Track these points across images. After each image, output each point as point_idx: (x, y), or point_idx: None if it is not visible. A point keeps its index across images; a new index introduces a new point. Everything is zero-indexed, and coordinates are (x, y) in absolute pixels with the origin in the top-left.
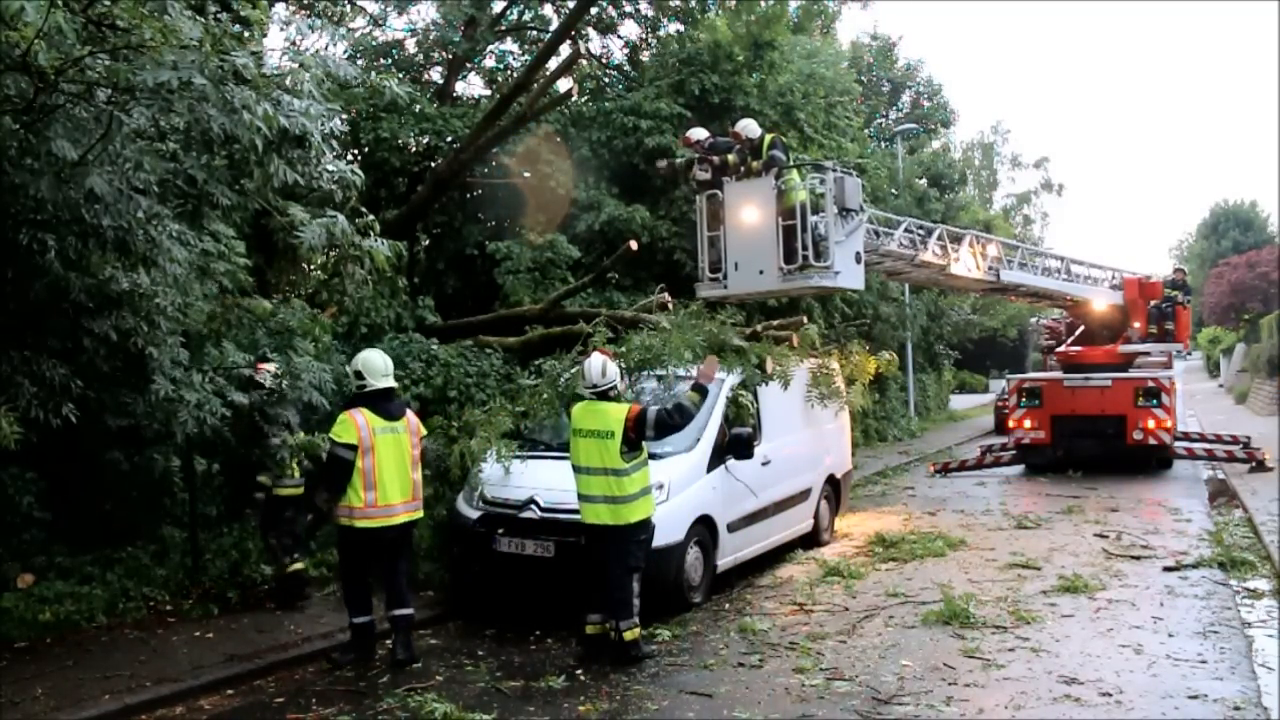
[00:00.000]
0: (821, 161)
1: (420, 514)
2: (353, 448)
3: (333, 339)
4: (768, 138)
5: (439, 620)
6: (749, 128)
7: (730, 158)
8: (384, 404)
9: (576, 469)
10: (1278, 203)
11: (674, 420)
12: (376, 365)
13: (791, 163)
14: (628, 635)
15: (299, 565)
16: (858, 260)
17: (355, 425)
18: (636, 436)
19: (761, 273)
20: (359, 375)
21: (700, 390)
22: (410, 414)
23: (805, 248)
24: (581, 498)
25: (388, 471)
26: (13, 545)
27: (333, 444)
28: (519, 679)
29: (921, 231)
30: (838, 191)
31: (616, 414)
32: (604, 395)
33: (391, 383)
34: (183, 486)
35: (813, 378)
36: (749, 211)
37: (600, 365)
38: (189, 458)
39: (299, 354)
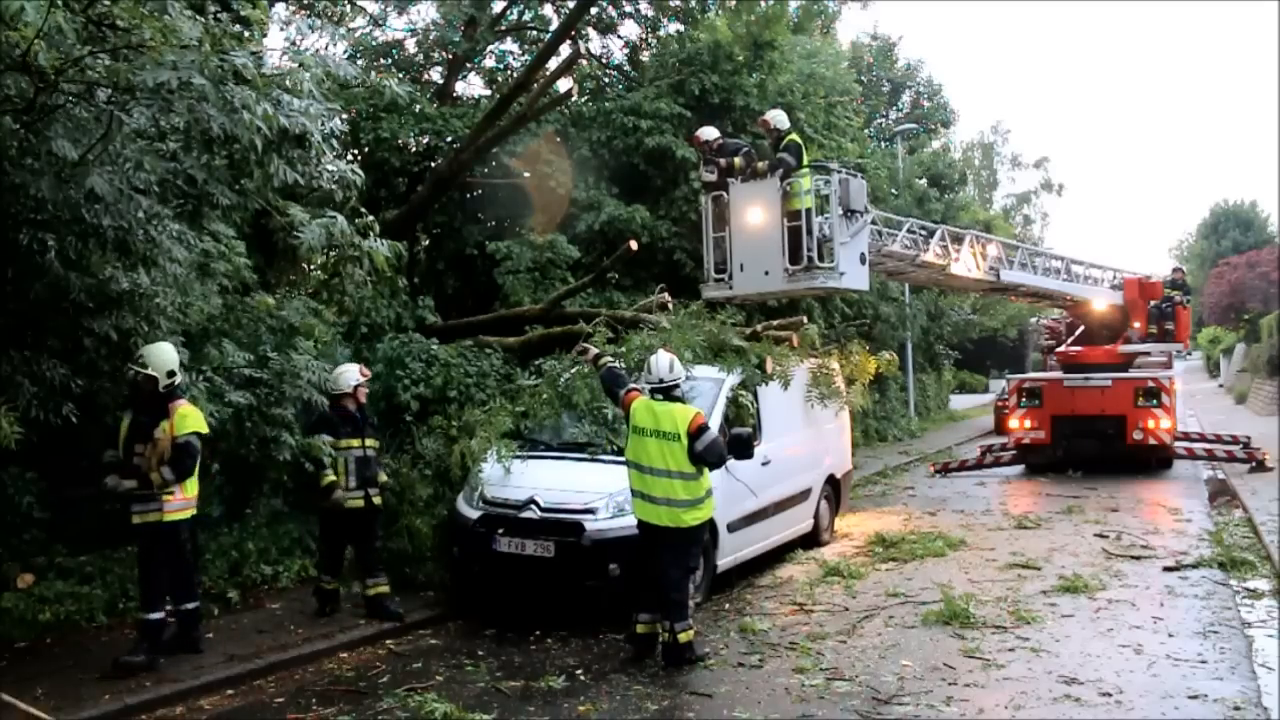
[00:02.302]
0: (826, 163)
1: None
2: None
3: (333, 337)
4: (789, 138)
5: (439, 620)
6: (778, 118)
7: (737, 161)
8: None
9: (638, 467)
10: (1278, 203)
11: (717, 457)
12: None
13: (803, 166)
14: (683, 637)
15: (383, 588)
16: (862, 261)
17: (203, 416)
18: (689, 443)
19: (767, 274)
20: (171, 374)
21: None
22: None
23: (810, 249)
24: (641, 495)
25: None
26: (13, 545)
27: (198, 437)
28: (519, 679)
29: (923, 232)
30: (843, 193)
31: (684, 417)
32: (669, 394)
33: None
34: None
35: (813, 378)
36: (754, 213)
37: (669, 361)
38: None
39: (299, 352)
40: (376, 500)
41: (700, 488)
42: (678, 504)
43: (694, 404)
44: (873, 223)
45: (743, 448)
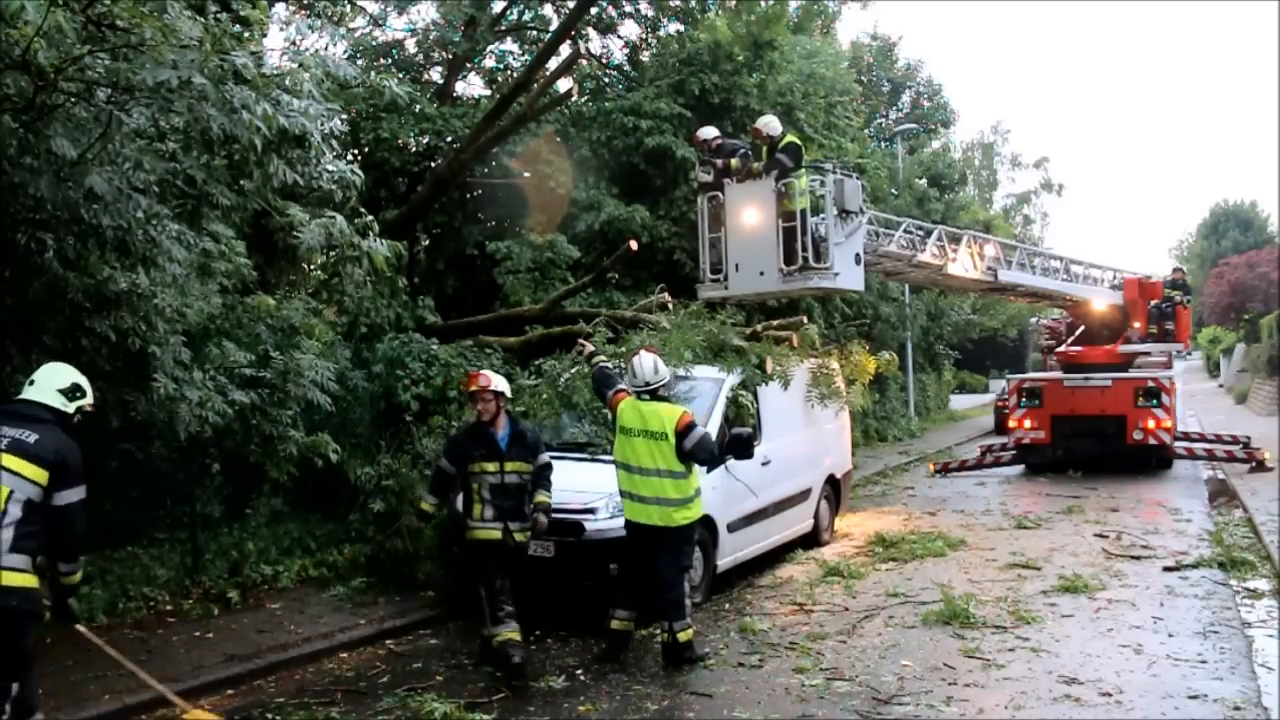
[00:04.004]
0: (822, 164)
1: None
2: None
3: (334, 336)
4: (785, 140)
5: (439, 620)
6: (770, 124)
7: (733, 162)
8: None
9: (627, 467)
10: (1278, 203)
11: (707, 454)
12: None
13: (800, 167)
14: (682, 636)
15: (511, 634)
16: (857, 261)
17: None
18: (676, 442)
19: (762, 274)
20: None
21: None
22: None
23: (805, 249)
24: (629, 496)
25: None
26: None
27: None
28: (519, 679)
29: (920, 232)
30: (837, 193)
31: (669, 415)
32: (655, 394)
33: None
34: (184, 486)
35: (813, 378)
36: (750, 213)
37: (652, 362)
38: (190, 457)
39: (302, 351)
40: (519, 536)
41: (689, 486)
42: (668, 503)
43: (694, 404)
44: (870, 223)
45: (743, 448)
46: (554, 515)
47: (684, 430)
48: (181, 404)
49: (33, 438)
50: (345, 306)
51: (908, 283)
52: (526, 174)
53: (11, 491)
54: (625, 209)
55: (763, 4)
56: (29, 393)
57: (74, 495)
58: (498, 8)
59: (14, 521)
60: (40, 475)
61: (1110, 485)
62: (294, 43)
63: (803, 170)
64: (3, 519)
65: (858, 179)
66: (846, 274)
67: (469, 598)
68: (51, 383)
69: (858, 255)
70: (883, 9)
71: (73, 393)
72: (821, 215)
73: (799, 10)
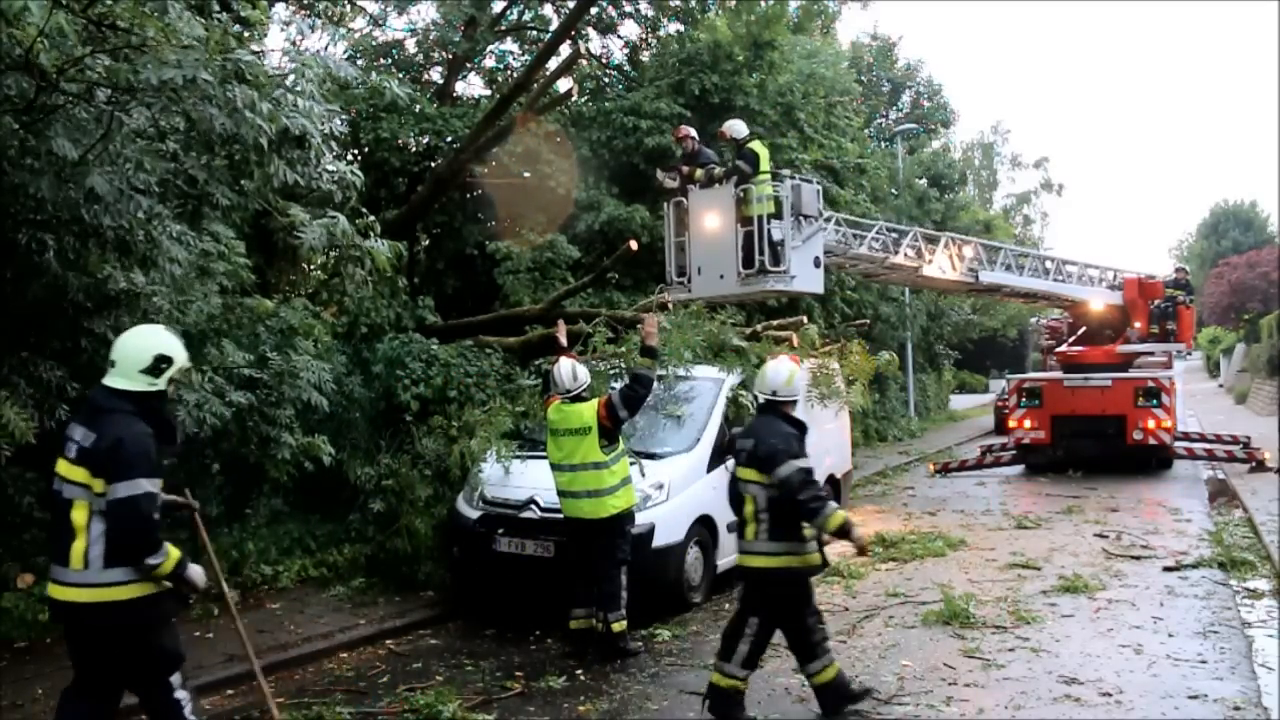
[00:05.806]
0: (779, 171)
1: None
2: None
3: (333, 338)
4: (749, 145)
5: (439, 620)
6: (736, 128)
7: (698, 173)
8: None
9: (557, 467)
10: (1278, 203)
11: (636, 391)
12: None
13: (760, 173)
14: (616, 627)
15: (831, 671)
16: (817, 265)
17: None
18: (612, 424)
19: (722, 277)
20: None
21: (649, 353)
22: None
23: (762, 254)
24: (563, 494)
25: None
26: (13, 545)
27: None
28: (519, 679)
29: (894, 234)
30: (795, 198)
31: (589, 409)
32: (577, 398)
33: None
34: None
35: (813, 378)
36: (711, 218)
37: (570, 369)
38: (188, 457)
39: (298, 353)
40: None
41: (613, 476)
42: (599, 493)
43: (694, 404)
44: (839, 225)
45: None
46: (554, 515)
47: (606, 407)
48: (179, 406)
49: (91, 438)
50: (345, 307)
51: (888, 284)
52: (526, 174)
53: (90, 505)
54: (625, 209)
55: (763, 4)
56: (109, 377)
57: (124, 489)
58: (498, 8)
59: (100, 534)
60: (96, 482)
61: (1110, 485)
62: (294, 43)
63: (765, 176)
64: (90, 536)
65: (815, 185)
66: (804, 277)
67: (763, 636)
68: (131, 363)
69: (817, 259)
70: (883, 9)
71: (157, 368)
72: (780, 219)
73: (799, 10)
